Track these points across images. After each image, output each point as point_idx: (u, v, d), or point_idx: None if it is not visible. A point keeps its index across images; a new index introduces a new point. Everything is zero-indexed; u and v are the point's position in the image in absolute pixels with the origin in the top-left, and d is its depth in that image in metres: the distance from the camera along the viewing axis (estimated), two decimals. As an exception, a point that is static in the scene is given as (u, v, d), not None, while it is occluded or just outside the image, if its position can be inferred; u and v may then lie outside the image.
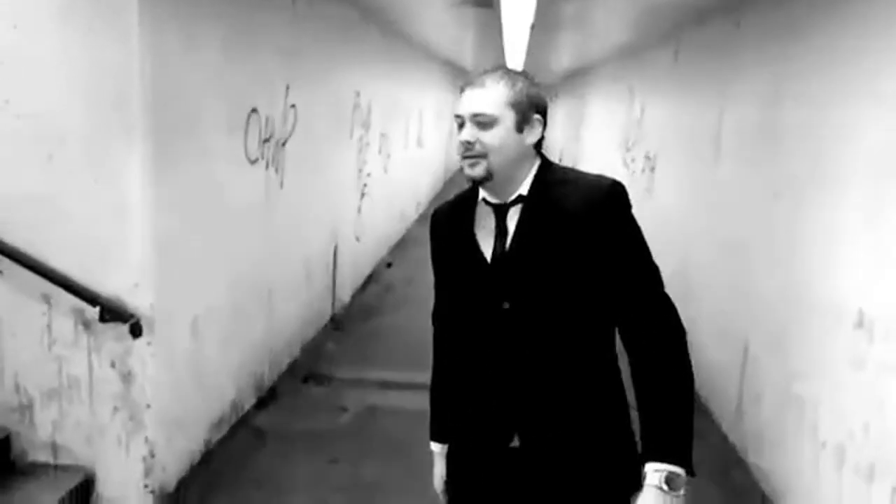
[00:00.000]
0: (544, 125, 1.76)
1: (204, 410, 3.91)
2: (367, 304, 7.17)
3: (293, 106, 5.00)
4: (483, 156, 1.70)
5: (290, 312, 5.28)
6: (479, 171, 1.71)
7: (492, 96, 1.69)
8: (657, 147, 7.26)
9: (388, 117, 8.90)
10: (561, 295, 1.69)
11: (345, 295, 7.01)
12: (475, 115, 1.69)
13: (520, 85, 1.71)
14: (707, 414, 4.85)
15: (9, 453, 3.28)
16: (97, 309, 3.12)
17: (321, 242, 6.14)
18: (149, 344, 3.23)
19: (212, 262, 3.88)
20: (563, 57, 11.65)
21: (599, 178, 1.73)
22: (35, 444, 3.30)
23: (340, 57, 6.31)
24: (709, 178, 5.31)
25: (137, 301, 3.18)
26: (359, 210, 7.48)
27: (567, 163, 16.96)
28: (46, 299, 3.17)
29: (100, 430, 3.28)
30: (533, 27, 7.15)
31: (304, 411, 4.63)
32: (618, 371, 1.78)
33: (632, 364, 1.72)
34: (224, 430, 4.12)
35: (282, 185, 4.88)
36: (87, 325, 3.19)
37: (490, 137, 1.69)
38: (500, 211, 1.76)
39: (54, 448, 3.30)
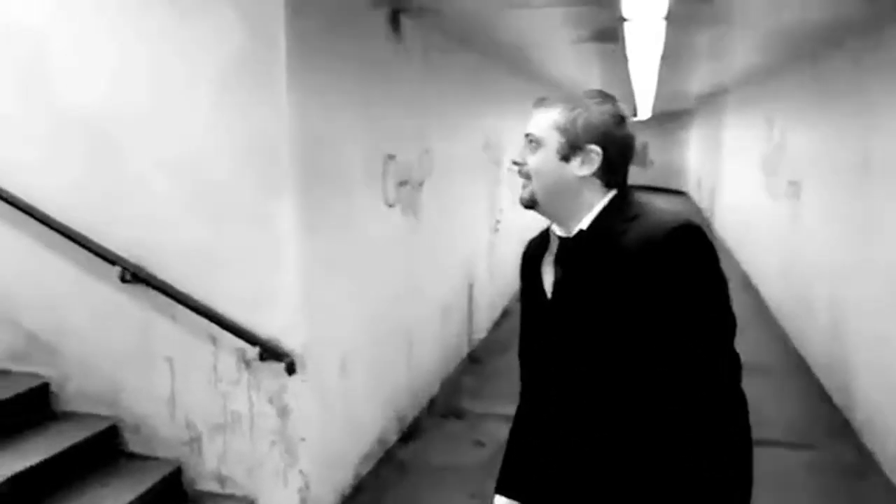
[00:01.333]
0: (612, 160, 1.55)
1: (353, 445, 4.10)
2: (503, 339, 7.25)
3: (427, 150, 5.21)
4: (529, 178, 1.60)
5: (428, 349, 5.45)
6: (524, 194, 1.61)
7: (543, 118, 1.58)
8: (801, 172, 6.97)
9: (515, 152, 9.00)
10: (606, 348, 1.48)
11: (480, 330, 7.14)
12: (526, 135, 1.61)
13: (577, 112, 1.55)
14: (869, 455, 4.57)
15: (180, 483, 3.58)
16: (257, 349, 3.37)
17: (457, 280, 6.30)
18: (303, 381, 3.45)
19: (356, 303, 4.10)
20: (696, 82, 11.41)
21: (670, 216, 1.48)
22: (203, 474, 3.59)
23: (471, 99, 6.51)
24: (861, 205, 5.05)
25: (291, 341, 3.42)
26: (492, 246, 7.62)
27: (706, 189, 16.47)
28: (213, 340, 3.46)
29: (260, 463, 3.53)
30: (664, 57, 7.09)
31: (444, 446, 4.75)
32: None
33: (673, 464, 1.46)
34: (371, 464, 4.30)
35: (418, 226, 5.08)
36: (247, 363, 3.45)
37: (533, 160, 1.58)
38: (563, 245, 1.61)
39: (220, 478, 3.58)
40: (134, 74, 3.40)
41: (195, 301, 3.41)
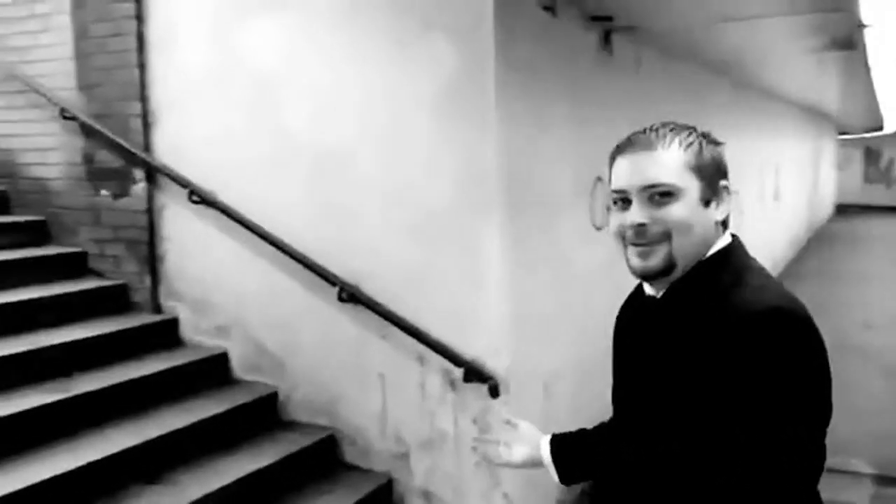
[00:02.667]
0: (726, 193, 1.40)
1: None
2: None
3: (639, 171, 5.05)
4: (663, 240, 1.34)
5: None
6: (656, 261, 1.36)
7: (668, 160, 1.33)
8: None
9: (740, 171, 8.49)
10: (668, 418, 1.33)
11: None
12: (648, 188, 1.33)
13: (697, 144, 1.35)
14: None
15: (391, 496, 3.72)
16: (461, 370, 3.44)
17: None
18: (505, 404, 3.46)
19: (560, 326, 4.05)
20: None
21: (762, 295, 1.28)
22: (411, 489, 3.71)
23: (687, 113, 6.23)
24: None
25: (495, 363, 3.45)
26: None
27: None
28: (421, 359, 3.58)
29: (465, 482, 3.58)
30: (910, 62, 6.37)
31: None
32: None
33: None
34: (575, 491, 4.21)
35: (628, 249, 4.92)
36: (452, 383, 3.53)
37: (674, 213, 1.32)
38: (650, 304, 1.45)
39: (427, 495, 3.67)
40: (352, 104, 3.62)
41: (405, 321, 3.54)
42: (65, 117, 4.23)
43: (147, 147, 4.12)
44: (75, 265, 4.35)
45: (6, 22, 4.45)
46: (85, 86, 4.24)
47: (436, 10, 3.38)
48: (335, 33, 3.65)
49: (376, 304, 3.59)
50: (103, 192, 4.26)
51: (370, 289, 3.62)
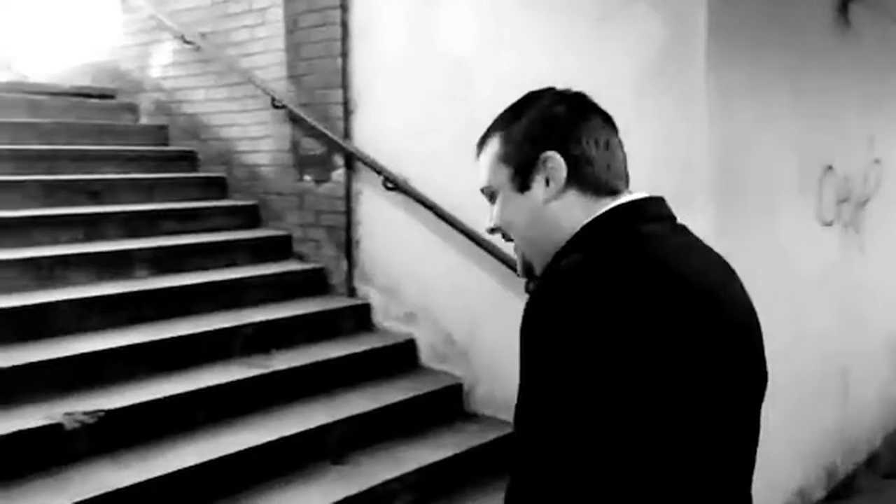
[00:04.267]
0: (577, 163, 1.08)
1: (766, 492, 3.60)
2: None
3: (877, 161, 4.41)
4: (512, 239, 1.17)
5: (868, 395, 4.59)
6: (519, 265, 1.19)
7: (485, 158, 1.17)
8: None
9: None
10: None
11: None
12: (482, 191, 1.19)
13: (512, 126, 1.13)
14: None
15: None
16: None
17: (912, 316, 5.24)
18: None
19: (780, 330, 3.59)
20: None
21: (560, 263, 1.03)
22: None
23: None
24: None
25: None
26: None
27: None
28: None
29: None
30: None
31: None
32: None
33: None
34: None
35: (862, 249, 4.31)
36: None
37: (496, 214, 1.16)
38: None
39: None
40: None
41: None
42: (275, 106, 4.43)
43: (347, 134, 4.20)
44: (281, 248, 4.55)
45: (229, 18, 4.74)
46: (293, 76, 4.41)
47: (640, -20, 3.11)
48: (528, 13, 3.49)
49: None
50: (307, 177, 4.42)
51: (560, 281, 3.42)
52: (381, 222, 4.15)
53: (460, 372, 3.90)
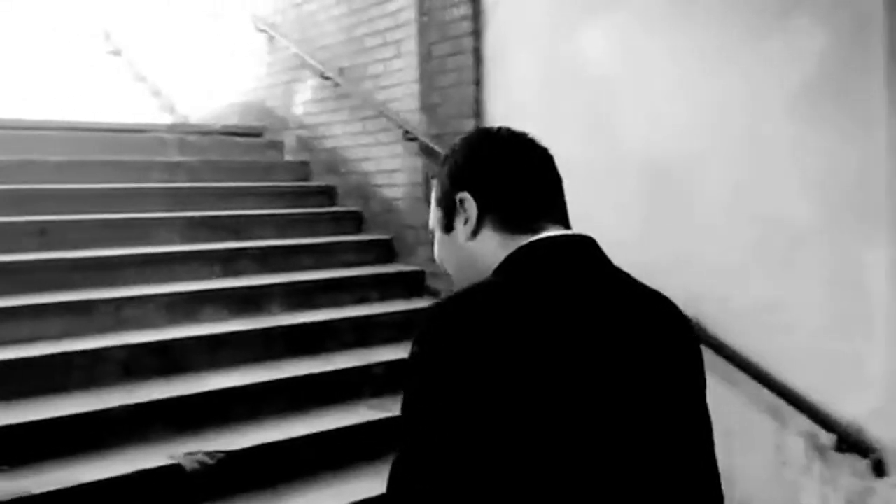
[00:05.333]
0: (489, 202, 1.06)
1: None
2: None
3: None
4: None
5: None
6: None
7: (431, 202, 1.18)
8: None
9: None
10: None
11: None
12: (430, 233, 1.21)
13: (447, 166, 1.13)
14: None
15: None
16: (832, 436, 2.68)
17: None
18: (894, 487, 2.61)
19: None
20: None
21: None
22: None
23: None
24: None
25: (881, 431, 2.62)
26: None
27: None
28: (777, 415, 2.88)
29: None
30: None
31: None
32: None
33: None
34: None
35: None
36: (820, 451, 2.77)
37: (437, 255, 1.17)
38: None
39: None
40: (698, 108, 3.10)
41: (756, 365, 2.89)
42: (407, 139, 4.33)
43: (479, 165, 4.02)
44: (414, 284, 4.41)
45: (365, 52, 4.73)
46: (426, 106, 4.30)
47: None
48: (679, 28, 3.16)
49: (719, 342, 2.98)
50: (440, 211, 4.26)
51: (710, 323, 3.03)
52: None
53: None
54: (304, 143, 5.31)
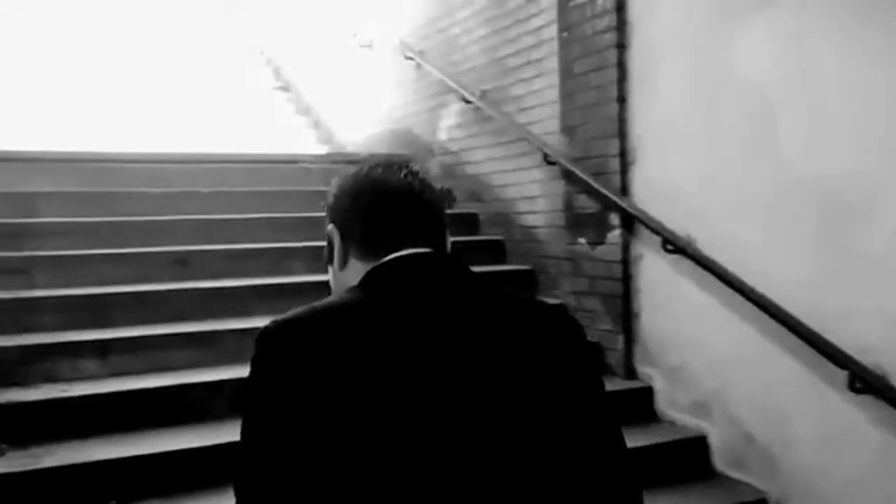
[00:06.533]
0: (347, 233, 1.12)
1: None
2: None
3: None
4: None
5: None
6: None
7: None
8: None
9: None
10: None
11: None
12: None
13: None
14: None
15: None
16: None
17: None
18: None
19: None
20: None
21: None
22: None
23: None
24: None
25: None
26: None
27: None
28: None
29: None
30: None
31: None
32: None
33: None
34: None
35: None
36: None
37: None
38: None
39: None
40: (873, 122, 2.58)
41: None
42: (547, 162, 4.05)
43: (624, 189, 3.65)
44: (554, 318, 4.09)
45: (508, 73, 4.51)
46: (567, 127, 4.00)
47: None
48: (855, 31, 2.67)
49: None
50: (581, 239, 3.93)
51: (897, 380, 2.48)
52: (663, 291, 3.50)
53: (764, 483, 3.05)
54: (448, 170, 5.17)
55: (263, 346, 1.00)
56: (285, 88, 8.10)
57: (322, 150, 6.75)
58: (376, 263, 1.07)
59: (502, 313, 1.06)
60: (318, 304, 1.04)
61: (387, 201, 1.11)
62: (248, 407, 1.00)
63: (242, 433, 1.00)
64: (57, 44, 7.63)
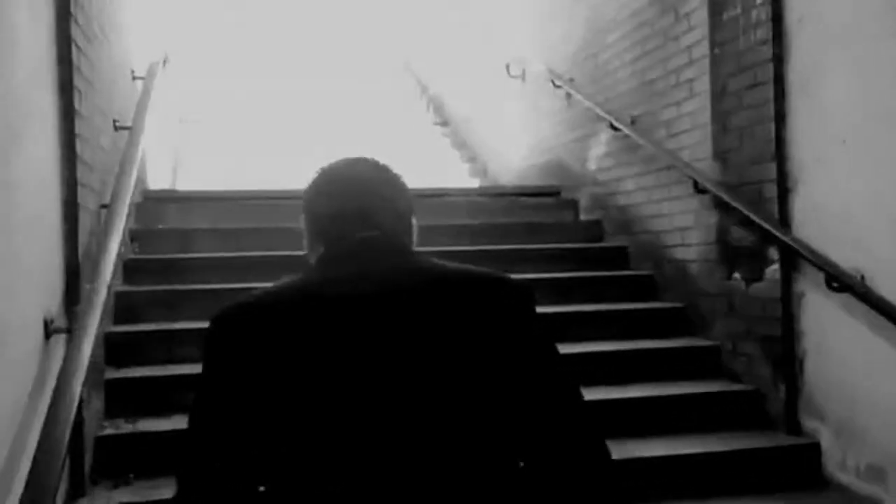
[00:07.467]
0: (312, 230, 1.22)
1: None
2: None
3: None
4: None
5: None
6: None
7: None
8: None
9: None
10: None
11: None
12: None
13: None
14: None
15: None
16: None
17: None
18: None
19: None
20: None
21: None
22: None
23: None
24: None
25: None
26: None
27: None
28: None
29: None
30: None
31: None
32: None
33: None
34: None
35: None
36: None
37: None
38: None
39: None
40: None
41: None
42: (698, 190, 3.70)
43: (783, 218, 3.24)
44: (707, 362, 3.70)
45: (658, 96, 4.20)
46: (719, 152, 3.64)
47: None
48: None
49: None
50: (736, 275, 3.53)
51: None
52: (830, 333, 3.05)
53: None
54: (598, 201, 4.90)
55: (213, 328, 1.09)
56: (444, 123, 8.18)
57: (474, 183, 6.70)
58: (328, 247, 1.16)
59: (439, 288, 1.10)
60: (270, 287, 1.13)
61: (337, 190, 1.19)
62: (198, 386, 1.08)
63: (190, 410, 1.08)
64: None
